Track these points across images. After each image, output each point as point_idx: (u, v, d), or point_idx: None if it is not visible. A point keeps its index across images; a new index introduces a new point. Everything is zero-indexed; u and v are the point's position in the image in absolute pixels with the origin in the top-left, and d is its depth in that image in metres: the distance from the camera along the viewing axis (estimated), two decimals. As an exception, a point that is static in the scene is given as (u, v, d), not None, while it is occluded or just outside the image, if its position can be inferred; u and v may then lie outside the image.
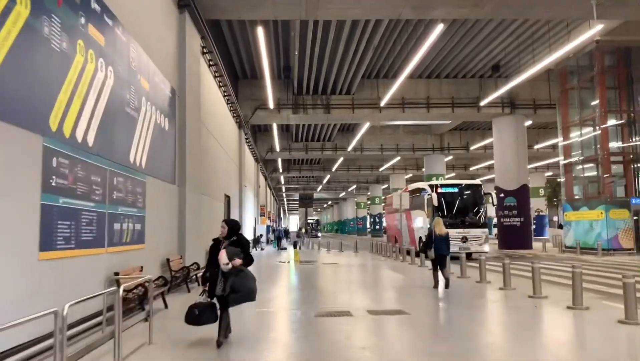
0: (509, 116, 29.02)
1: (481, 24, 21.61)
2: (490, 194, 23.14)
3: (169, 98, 12.45)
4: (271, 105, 26.69)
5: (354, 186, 75.82)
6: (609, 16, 15.05)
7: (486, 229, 21.84)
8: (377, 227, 74.52)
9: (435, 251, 11.63)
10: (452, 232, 17.85)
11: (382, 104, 27.14)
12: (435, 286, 11.73)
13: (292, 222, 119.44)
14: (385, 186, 66.66)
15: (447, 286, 11.47)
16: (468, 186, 22.59)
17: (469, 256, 21.42)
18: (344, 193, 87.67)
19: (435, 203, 21.37)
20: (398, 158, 46.84)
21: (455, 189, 22.22)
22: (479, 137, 41.22)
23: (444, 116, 30.24)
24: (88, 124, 7.25)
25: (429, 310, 9.03)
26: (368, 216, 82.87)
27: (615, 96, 24.14)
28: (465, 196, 22.28)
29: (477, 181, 23.19)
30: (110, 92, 8.11)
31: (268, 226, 44.18)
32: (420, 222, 23.41)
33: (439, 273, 11.78)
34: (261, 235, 37.13)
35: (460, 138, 42.55)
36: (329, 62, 24.75)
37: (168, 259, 11.35)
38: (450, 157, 45.26)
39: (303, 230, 67.64)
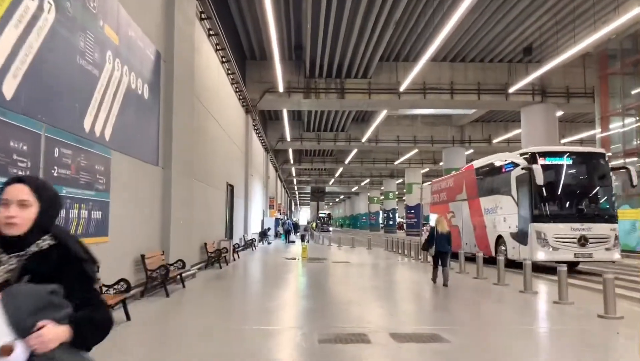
0: (539, 105, 26.54)
1: (515, -2, 19.25)
2: (626, 169, 14.74)
3: (151, 62, 10.36)
4: (281, 88, 24.55)
5: (368, 180, 73.52)
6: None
7: (616, 225, 14.55)
8: (391, 223, 72.37)
9: (436, 248, 12.11)
10: (564, 228, 14.07)
11: (402, 89, 24.83)
12: (434, 280, 12.28)
13: (304, 216, 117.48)
14: (400, 180, 64.32)
15: (445, 284, 11.71)
16: (587, 156, 15.12)
17: (573, 266, 15.44)
18: (356, 187, 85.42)
19: (540, 180, 13.82)
20: (415, 151, 44.48)
21: (568, 160, 14.70)
22: (502, 130, 38.77)
23: (469, 104, 27.85)
24: (5, 66, 5.17)
25: (472, 333, 6.83)
26: (381, 212, 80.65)
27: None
28: (583, 173, 14.99)
29: (599, 149, 16.26)
30: (49, 32, 6.03)
31: (277, 219, 42.17)
32: (507, 212, 16.08)
33: (440, 269, 12.08)
34: (269, 228, 35.10)
35: (482, 130, 40.14)
36: (345, 41, 22.52)
37: (143, 256, 9.29)
38: (470, 151, 42.81)
39: (313, 224, 65.63)
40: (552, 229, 14.20)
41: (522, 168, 14.99)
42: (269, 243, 32.17)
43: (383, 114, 31.06)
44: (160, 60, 10.95)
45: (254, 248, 26.59)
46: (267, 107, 29.60)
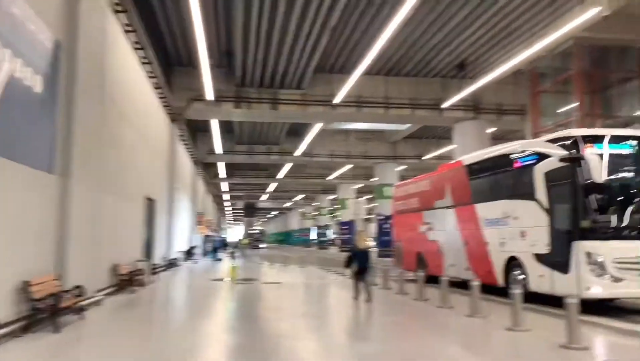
0: (472, 121, 26.57)
1: (451, 10, 18.96)
2: None
3: (47, 51, 8.75)
4: (210, 96, 23.01)
5: (301, 196, 72.58)
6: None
7: None
8: (324, 239, 71.76)
9: (357, 264, 11.79)
10: (629, 249, 9.68)
11: (337, 101, 24.04)
12: (356, 298, 11.79)
13: (234, 232, 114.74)
14: (334, 196, 63.81)
15: (368, 300, 11.53)
16: None
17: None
18: (290, 203, 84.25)
19: (599, 176, 9.93)
20: (350, 166, 43.92)
21: (630, 149, 10.40)
22: (434, 147, 38.95)
23: (404, 118, 27.50)
24: None
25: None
26: (314, 228, 79.91)
27: (590, 100, 22.08)
28: None
29: None
30: None
31: (205, 236, 40.11)
32: (527, 224, 11.60)
33: (362, 285, 11.78)
34: (196, 246, 33.08)
35: (414, 147, 40.28)
36: (278, 49, 21.43)
37: (26, 283, 7.59)
38: (402, 167, 42.86)
39: (245, 241, 63.68)
40: (613, 250, 9.64)
41: (562, 159, 10.26)
42: (195, 262, 30.22)
43: (317, 127, 30.21)
44: (60, 50, 9.33)
45: (177, 268, 24.65)
46: (196, 117, 27.89)
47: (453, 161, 17.14)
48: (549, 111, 23.12)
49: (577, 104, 21.13)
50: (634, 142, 10.35)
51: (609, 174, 9.78)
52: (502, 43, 21.92)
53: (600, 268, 9.58)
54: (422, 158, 39.82)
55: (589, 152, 10.00)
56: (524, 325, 8.02)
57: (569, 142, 10.47)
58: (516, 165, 12.23)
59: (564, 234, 10.22)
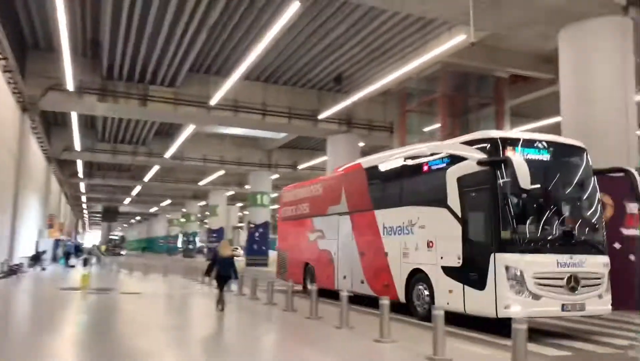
0: (345, 135, 27.32)
1: (331, 24, 19.26)
2: (626, 172, 10.04)
3: None
4: (70, 86, 20.94)
5: (169, 201, 69.42)
6: (483, 22, 13.64)
7: (607, 258, 9.67)
8: (191, 247, 69.40)
9: (219, 272, 11.64)
10: (549, 263, 8.91)
11: (213, 103, 23.23)
12: (220, 306, 11.50)
13: (92, 237, 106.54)
14: (204, 203, 61.94)
15: (222, 308, 11.41)
16: (570, 150, 10.22)
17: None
18: (156, 208, 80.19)
19: (526, 183, 8.57)
20: (223, 172, 42.85)
21: (547, 154, 9.65)
22: (308, 157, 39.49)
23: (280, 127, 27.43)
24: None
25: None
26: (181, 235, 76.96)
27: (452, 122, 23.77)
28: (568, 175, 9.91)
29: (578, 142, 10.41)
30: None
31: (57, 241, 36.49)
32: (436, 233, 10.52)
33: (223, 294, 11.61)
34: (44, 251, 29.86)
35: (289, 156, 40.51)
36: (150, 42, 20.13)
37: None
38: (276, 176, 42.84)
39: (103, 247, 59.27)
40: (533, 265, 8.80)
41: (481, 163, 9.31)
42: (43, 269, 27.19)
43: (190, 129, 29.00)
44: None
45: (21, 275, 21.94)
46: (53, 108, 25.37)
47: (350, 164, 15.53)
48: (415, 130, 24.50)
49: (440, 125, 22.64)
50: (551, 149, 9.66)
51: (532, 181, 8.55)
52: (376, 61, 22.76)
53: (520, 284, 8.65)
54: (297, 168, 40.15)
55: (514, 156, 8.88)
56: (392, 336, 8.06)
57: (487, 144, 9.45)
58: (424, 169, 11.14)
59: (481, 245, 9.27)
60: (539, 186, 9.10)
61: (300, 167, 40.04)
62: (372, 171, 13.46)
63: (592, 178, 9.90)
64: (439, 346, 6.64)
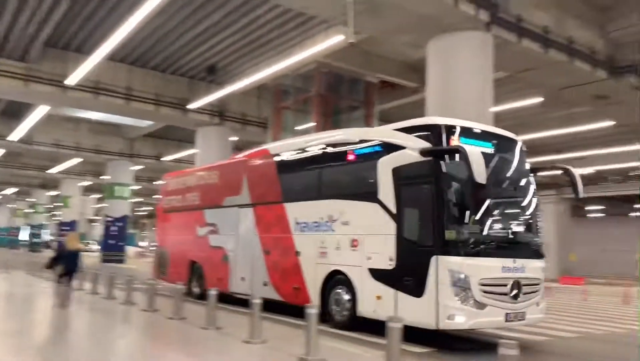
0: (217, 127, 26.55)
1: (207, 9, 18.48)
2: (565, 170, 9.68)
3: None
4: None
5: (14, 190, 62.30)
6: (361, 25, 13.89)
7: (544, 262, 9.25)
8: (37, 240, 63.08)
9: (63, 267, 11.07)
10: (494, 268, 8.17)
11: (71, 82, 21.09)
12: (61, 305, 10.85)
13: None
14: (56, 193, 56.50)
15: (64, 305, 10.83)
16: (509, 144, 9.51)
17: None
18: (-3, 197, 71.58)
19: (481, 176, 7.62)
20: (79, 160, 39.27)
21: (490, 147, 8.87)
22: (174, 148, 37.82)
23: (147, 114, 25.79)
24: None
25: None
26: (26, 227, 69.59)
27: (324, 122, 24.15)
28: (511, 171, 9.27)
29: (512, 135, 9.79)
30: None
31: None
32: (364, 231, 9.47)
33: (66, 289, 11.10)
34: None
35: (153, 146, 38.42)
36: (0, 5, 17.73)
37: None
38: (139, 167, 40.42)
39: None
40: (479, 269, 7.99)
41: (424, 152, 8.25)
42: None
43: (43, 110, 26.11)
44: None
45: None
46: None
47: (255, 149, 13.97)
48: (289, 127, 24.49)
49: (314, 124, 22.87)
50: (500, 141, 9.02)
51: (480, 175, 7.46)
52: (252, 54, 22.40)
53: (464, 291, 7.67)
54: (161, 159, 38.23)
55: (468, 146, 7.84)
56: (263, 336, 7.76)
57: (429, 132, 8.41)
58: (350, 157, 9.91)
59: (420, 246, 8.22)
60: (492, 179, 8.10)
61: (164, 158, 38.15)
62: (283, 158, 11.94)
63: (530, 175, 9.33)
64: (312, 345, 6.49)
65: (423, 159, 8.26)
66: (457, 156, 7.90)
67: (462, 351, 8.39)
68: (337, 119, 24.29)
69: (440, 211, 8.01)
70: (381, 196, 8.85)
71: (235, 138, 28.63)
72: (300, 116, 23.98)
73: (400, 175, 8.65)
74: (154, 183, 47.19)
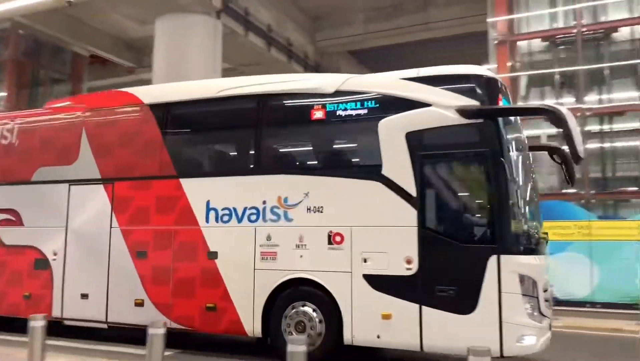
0: None
1: None
2: (556, 151, 6.97)
3: None
4: None
5: None
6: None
7: None
8: None
9: None
10: (544, 272, 6.16)
11: None
12: None
13: None
14: None
15: None
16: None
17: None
18: None
19: (582, 151, 5.71)
20: None
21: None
22: None
23: None
24: None
25: None
26: None
27: (18, 94, 20.38)
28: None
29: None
30: None
31: None
32: (378, 226, 6.24)
33: None
34: None
35: None
36: None
37: None
38: None
39: None
40: (541, 271, 6.10)
41: (478, 112, 5.95)
42: None
43: None
44: None
45: None
46: None
47: (108, 93, 9.65)
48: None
49: (4, 94, 19.21)
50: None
51: (580, 145, 5.74)
52: None
53: (533, 302, 5.78)
54: None
55: (563, 108, 5.86)
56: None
57: (468, 84, 6.22)
58: (317, 115, 6.86)
59: (468, 242, 6.00)
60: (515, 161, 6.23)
61: None
62: (177, 111, 8.01)
63: None
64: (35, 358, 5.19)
65: (467, 121, 5.93)
66: (553, 119, 5.75)
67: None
68: (36, 92, 20.94)
69: (503, 195, 5.78)
70: (388, 171, 6.22)
71: None
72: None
73: (422, 143, 6.21)
74: None
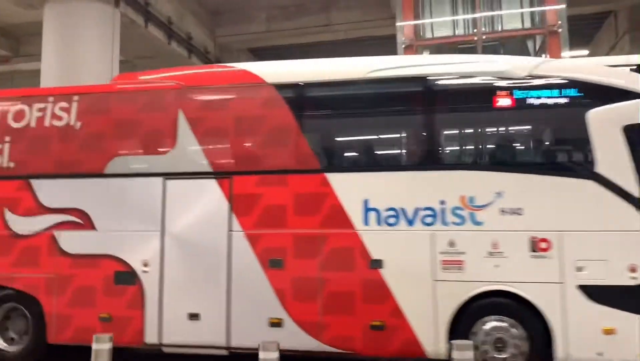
0: None
1: None
2: None
3: None
4: None
5: None
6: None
7: None
8: None
9: None
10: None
11: None
12: None
13: None
14: None
15: None
16: None
17: None
18: None
19: None
20: None
21: None
22: None
23: None
24: None
25: None
26: None
27: None
28: None
29: None
30: None
31: None
32: (594, 231, 5.48)
33: None
34: None
35: None
36: None
37: None
38: None
39: None
40: None
41: None
42: None
43: None
44: None
45: None
46: None
47: (216, 70, 8.15)
48: None
49: None
50: None
51: None
52: None
53: None
54: None
55: None
56: None
57: None
58: (503, 102, 6.03)
59: None
60: None
61: None
62: (325, 93, 6.68)
63: None
64: None
65: None
66: None
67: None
68: None
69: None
70: (603, 168, 5.62)
71: None
72: None
73: None
74: None
